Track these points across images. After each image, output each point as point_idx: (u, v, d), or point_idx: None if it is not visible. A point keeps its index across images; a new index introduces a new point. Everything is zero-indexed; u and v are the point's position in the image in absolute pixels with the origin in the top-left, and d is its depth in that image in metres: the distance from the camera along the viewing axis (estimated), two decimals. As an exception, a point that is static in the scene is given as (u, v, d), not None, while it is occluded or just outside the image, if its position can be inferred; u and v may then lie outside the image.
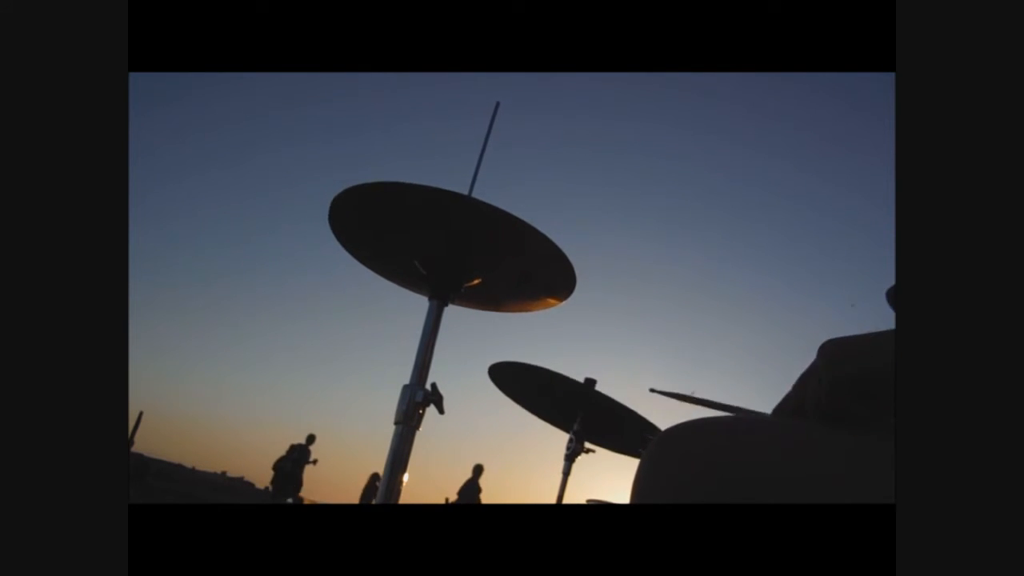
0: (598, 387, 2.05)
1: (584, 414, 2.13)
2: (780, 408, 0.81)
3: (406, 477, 1.33)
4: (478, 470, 9.20)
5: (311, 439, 11.08)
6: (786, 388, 1.09)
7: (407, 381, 1.35)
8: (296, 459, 10.84)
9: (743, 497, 0.62)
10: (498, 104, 1.46)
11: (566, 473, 2.15)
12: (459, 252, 1.43)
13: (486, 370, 2.10)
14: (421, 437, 1.34)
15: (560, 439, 2.18)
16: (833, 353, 0.73)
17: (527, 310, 1.61)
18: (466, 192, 1.31)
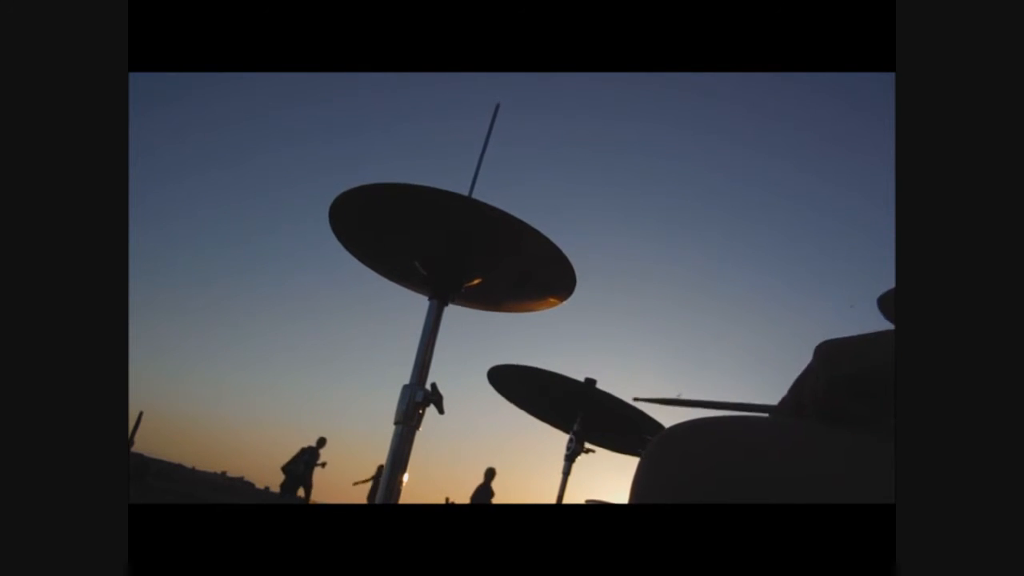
0: (598, 387, 2.05)
1: (584, 414, 2.12)
2: (777, 411, 0.81)
3: (406, 477, 1.33)
4: (490, 474, 9.02)
5: (321, 442, 10.98)
6: (786, 388, 1.09)
7: (407, 381, 1.35)
8: (307, 462, 10.78)
9: (742, 497, 0.62)
10: (498, 106, 1.46)
11: (566, 473, 2.15)
12: (459, 252, 1.43)
13: (486, 371, 2.10)
14: (421, 437, 1.34)
15: (560, 439, 2.18)
16: (829, 354, 0.73)
17: (527, 310, 1.61)
18: (466, 192, 1.31)
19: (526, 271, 1.47)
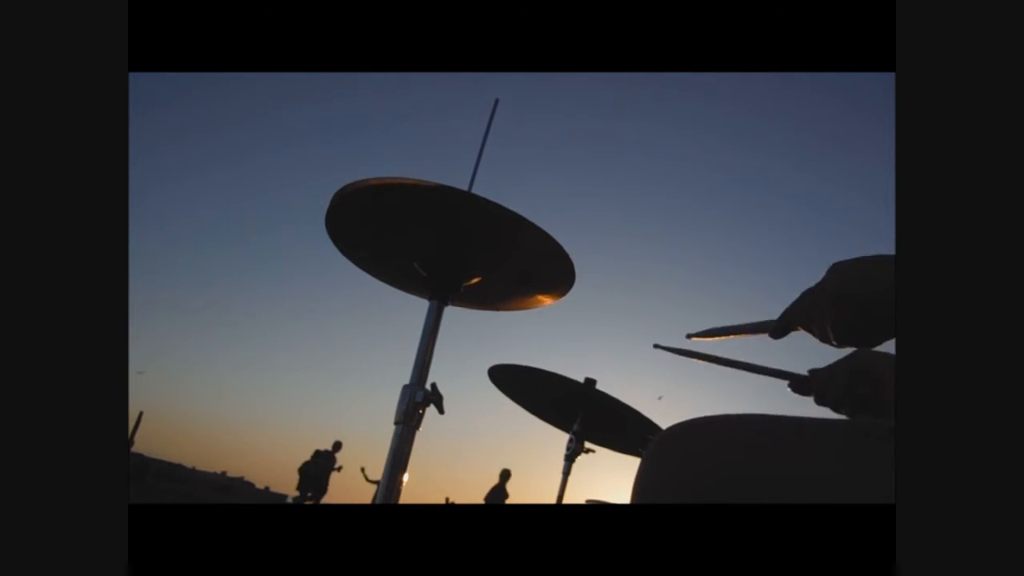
0: (598, 387, 2.05)
1: (584, 414, 2.12)
2: (783, 317, 0.87)
3: (406, 477, 1.33)
4: (505, 475, 8.86)
5: (337, 446, 10.83)
6: (785, 387, 1.09)
7: (407, 381, 1.35)
8: (321, 464, 10.69)
9: (743, 497, 0.62)
10: (497, 101, 1.46)
11: (566, 473, 2.15)
12: (458, 249, 1.43)
13: (486, 370, 2.10)
14: (421, 437, 1.34)
15: (560, 439, 2.18)
16: (842, 271, 0.77)
17: (526, 307, 1.61)
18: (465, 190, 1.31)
19: (526, 270, 1.47)
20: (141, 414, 9.56)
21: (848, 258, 0.78)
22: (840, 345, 0.80)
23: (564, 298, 1.51)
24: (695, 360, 1.09)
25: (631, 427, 2.07)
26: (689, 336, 1.03)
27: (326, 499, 10.70)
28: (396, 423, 1.33)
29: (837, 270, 0.78)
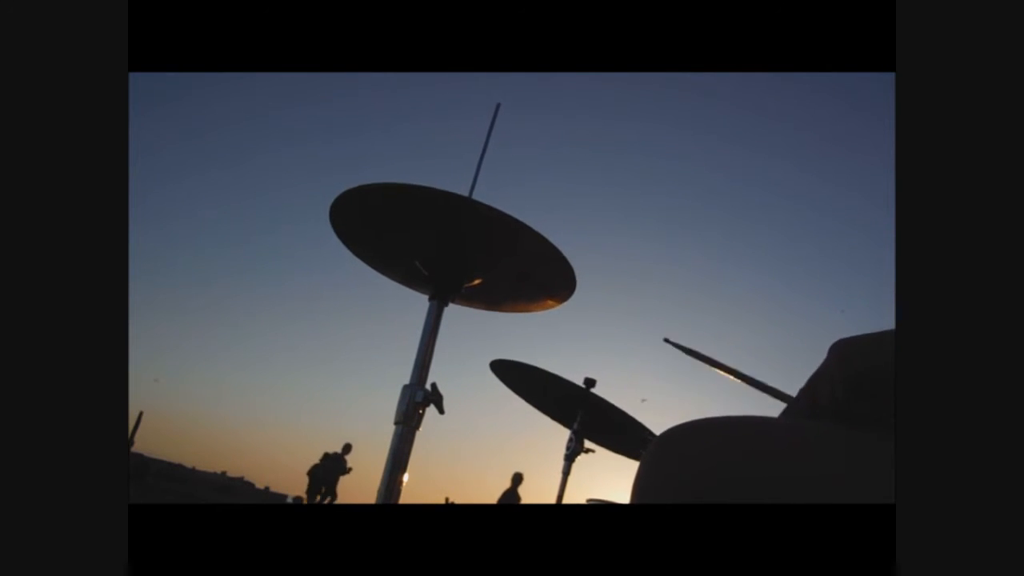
0: (598, 387, 2.06)
1: (584, 414, 2.13)
2: (790, 410, 0.81)
3: (406, 477, 1.33)
4: (517, 479, 8.66)
5: (347, 448, 10.67)
6: (786, 387, 1.09)
7: (407, 381, 1.35)
8: (331, 467, 10.56)
9: (743, 497, 0.62)
10: (499, 106, 1.46)
11: (566, 473, 2.15)
12: (459, 252, 1.43)
13: (486, 370, 2.10)
14: (421, 437, 1.34)
15: (560, 439, 2.18)
16: (844, 352, 0.73)
17: (527, 310, 1.61)
18: (467, 193, 1.31)
19: (525, 272, 1.47)
20: (141, 414, 9.55)
21: (848, 336, 0.75)
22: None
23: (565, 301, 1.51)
24: (700, 362, 1.09)
25: (631, 428, 2.07)
26: (666, 340, 1.02)
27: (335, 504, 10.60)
28: (396, 423, 1.34)
29: (837, 351, 0.75)
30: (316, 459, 10.75)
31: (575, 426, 2.14)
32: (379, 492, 1.33)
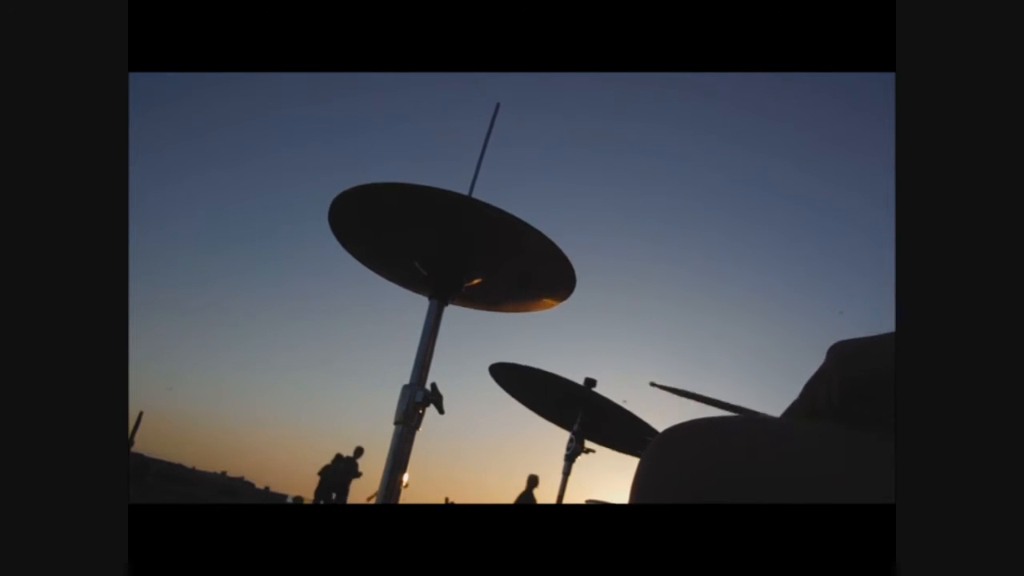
0: (599, 387, 2.06)
1: (584, 414, 2.13)
2: (789, 412, 0.81)
3: (406, 477, 1.33)
4: (533, 481, 8.48)
5: (359, 452, 10.49)
6: (786, 387, 1.09)
7: (407, 381, 1.35)
8: (343, 471, 10.46)
9: (742, 497, 0.62)
10: (498, 105, 1.46)
11: (566, 473, 2.15)
12: (459, 252, 1.43)
13: (486, 370, 2.10)
14: (421, 437, 1.34)
15: (560, 438, 2.18)
16: (843, 354, 0.73)
17: (527, 310, 1.61)
18: (466, 193, 1.31)
19: (526, 271, 1.47)
20: (141, 414, 9.55)
21: (846, 339, 0.75)
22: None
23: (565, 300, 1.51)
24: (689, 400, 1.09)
25: (631, 427, 2.07)
26: (652, 384, 1.01)
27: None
28: (396, 423, 1.34)
29: (836, 354, 0.74)
30: (319, 459, 10.67)
31: (575, 426, 2.14)
32: (379, 492, 1.33)
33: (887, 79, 0.67)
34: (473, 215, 1.30)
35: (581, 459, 2.16)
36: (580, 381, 2.05)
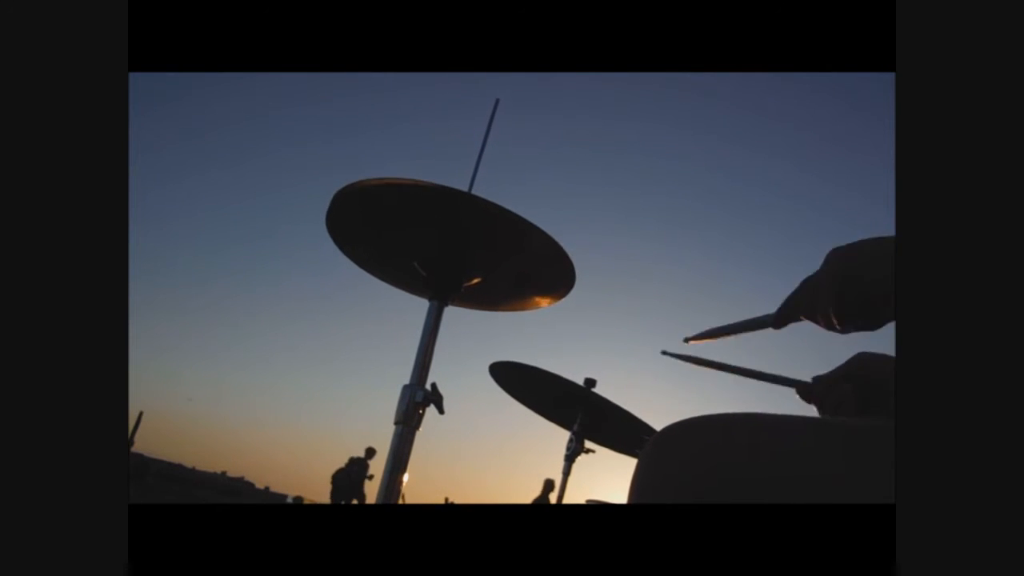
0: (598, 387, 2.05)
1: (584, 414, 2.12)
2: (783, 307, 0.86)
3: (406, 477, 1.33)
4: (549, 485, 8.16)
5: (370, 453, 10.30)
6: (786, 387, 1.09)
7: (407, 381, 1.35)
8: (356, 473, 10.37)
9: (742, 497, 0.62)
10: (498, 101, 1.46)
11: (566, 473, 2.15)
12: (458, 250, 1.43)
13: (486, 370, 2.10)
14: (421, 437, 1.34)
15: (560, 439, 2.18)
16: (841, 256, 0.77)
17: (527, 308, 1.61)
18: (466, 190, 1.31)
19: (525, 271, 1.47)
20: (141, 414, 9.54)
21: (845, 243, 0.77)
22: (844, 331, 0.79)
23: (564, 299, 1.51)
24: (702, 367, 1.09)
25: (631, 427, 2.07)
26: (687, 340, 1.02)
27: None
28: (396, 423, 1.33)
29: (836, 255, 0.77)
30: (319, 459, 10.56)
31: (575, 427, 2.13)
32: (379, 492, 1.33)
33: (887, 79, 0.68)
34: (472, 211, 1.30)
35: (581, 459, 2.16)
36: (580, 381, 2.05)
